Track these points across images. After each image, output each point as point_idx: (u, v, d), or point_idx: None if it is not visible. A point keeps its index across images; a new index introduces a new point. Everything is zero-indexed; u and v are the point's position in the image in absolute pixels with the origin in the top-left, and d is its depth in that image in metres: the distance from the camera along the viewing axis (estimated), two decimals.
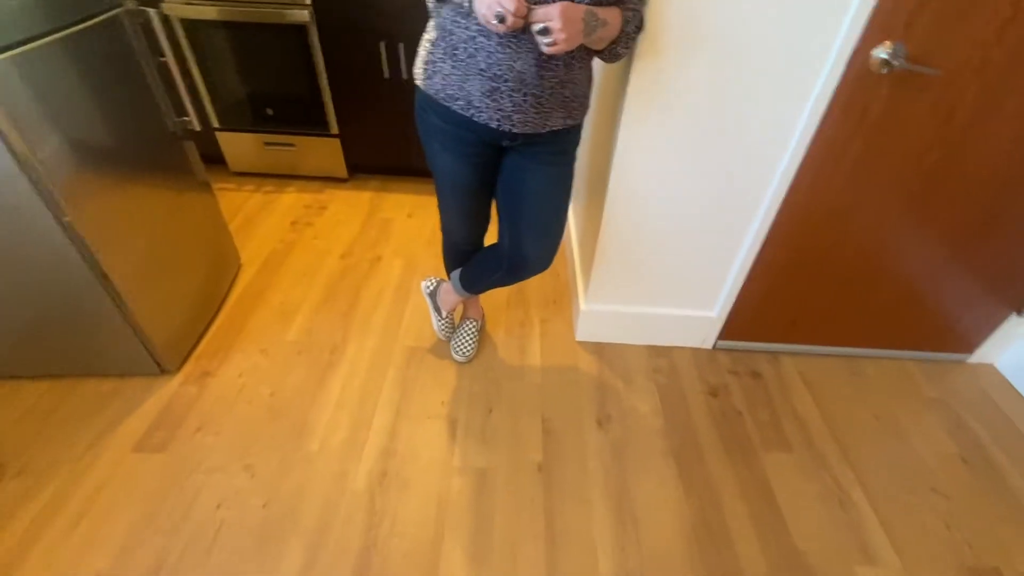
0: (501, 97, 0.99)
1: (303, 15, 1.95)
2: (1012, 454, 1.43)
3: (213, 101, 2.19)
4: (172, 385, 1.49)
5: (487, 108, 1.01)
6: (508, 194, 1.21)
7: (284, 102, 2.19)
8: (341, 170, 2.41)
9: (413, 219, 2.24)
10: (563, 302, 1.86)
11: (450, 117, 1.07)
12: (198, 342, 1.62)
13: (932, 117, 1.18)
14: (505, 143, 1.11)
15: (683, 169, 1.29)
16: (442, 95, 1.05)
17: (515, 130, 1.04)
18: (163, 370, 1.51)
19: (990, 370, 1.69)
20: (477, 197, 1.25)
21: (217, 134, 2.29)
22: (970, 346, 1.68)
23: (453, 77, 1.02)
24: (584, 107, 1.11)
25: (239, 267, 1.91)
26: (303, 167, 2.41)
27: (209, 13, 1.95)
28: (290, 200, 2.31)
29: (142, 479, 1.27)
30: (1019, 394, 1.60)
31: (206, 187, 1.72)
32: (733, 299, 1.56)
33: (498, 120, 1.02)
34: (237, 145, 2.33)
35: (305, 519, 1.21)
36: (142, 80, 1.40)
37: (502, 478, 1.31)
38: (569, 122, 1.09)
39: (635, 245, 1.45)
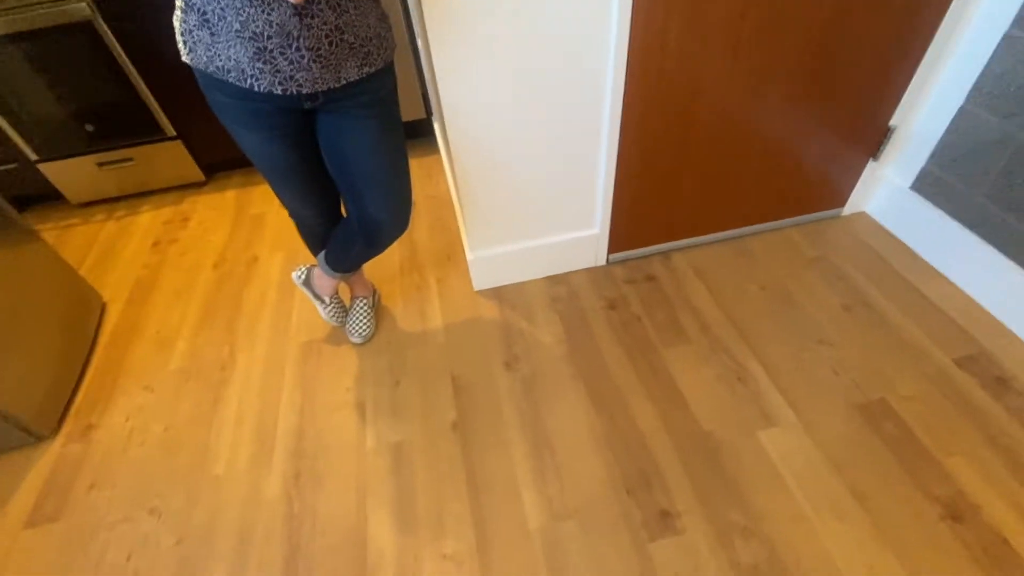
0: (273, 58, 0.89)
1: (81, 9, 1.69)
2: (887, 292, 1.52)
3: (22, 133, 1.92)
4: (53, 449, 1.38)
5: (262, 73, 0.90)
6: (333, 161, 1.11)
7: (103, 114, 1.95)
8: (195, 173, 2.20)
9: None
10: (457, 256, 1.81)
11: (234, 91, 0.96)
12: (72, 397, 1.50)
13: None
14: (306, 105, 1.00)
15: (512, 90, 1.22)
16: (212, 68, 0.93)
17: (304, 90, 0.94)
18: (39, 437, 1.39)
19: (863, 217, 1.78)
20: (306, 172, 1.15)
21: (41, 167, 2.03)
22: (842, 199, 1.75)
23: (217, 47, 0.90)
24: (383, 48, 1.02)
25: (103, 306, 1.75)
26: (153, 180, 2.19)
27: None
28: (147, 220, 2.11)
29: (41, 554, 1.18)
30: (890, 233, 1.70)
31: (31, 235, 1.53)
32: (609, 210, 1.55)
33: (280, 84, 0.92)
34: (68, 174, 2.08)
35: (222, 544, 1.17)
36: None
37: (418, 446, 1.30)
38: (367, 69, 1.00)
39: (495, 181, 1.40)
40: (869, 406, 1.28)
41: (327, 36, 0.90)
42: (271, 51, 0.88)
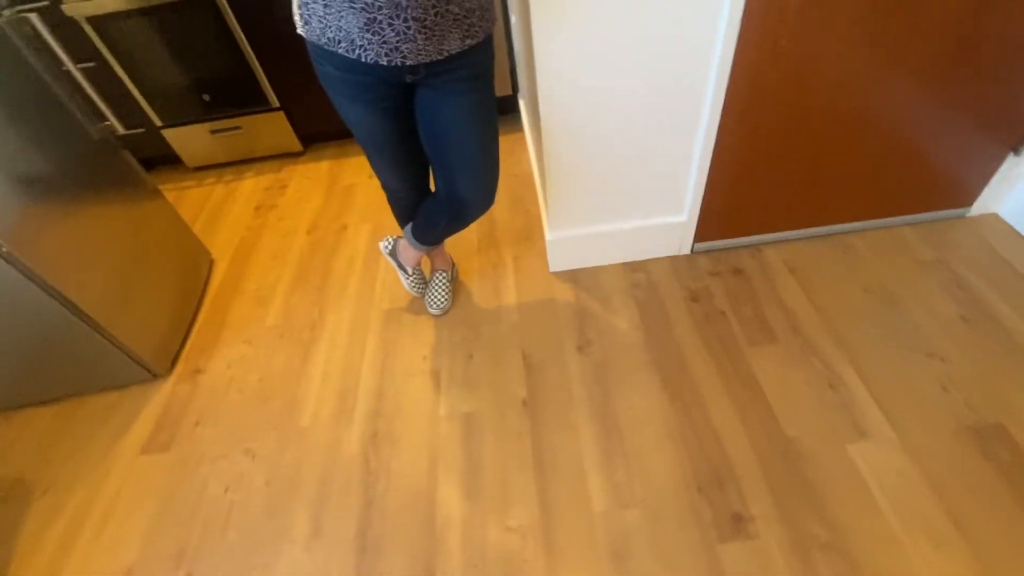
0: (381, 28, 0.91)
1: None
2: (1017, 305, 1.35)
3: (149, 99, 2.13)
4: (167, 387, 1.55)
5: (370, 44, 0.93)
6: (428, 135, 1.14)
7: (218, 84, 2.11)
8: (294, 144, 2.34)
9: (375, 180, 2.18)
10: (535, 236, 1.81)
11: (342, 63, 1.00)
12: (184, 343, 1.66)
13: None
14: (408, 79, 1.03)
15: (613, 65, 1.18)
16: (324, 40, 0.97)
17: (408, 62, 0.96)
18: (155, 375, 1.56)
19: (993, 219, 1.58)
20: (401, 145, 1.19)
21: (164, 132, 2.24)
22: (969, 198, 1.56)
23: (328, 18, 0.94)
24: (486, 20, 1.02)
25: (211, 262, 1.92)
26: (257, 148, 2.35)
27: (111, 5, 1.84)
28: (251, 185, 2.28)
29: (153, 478, 1.34)
30: None
31: (156, 194, 1.70)
32: (701, 197, 1.48)
33: (386, 55, 0.95)
34: (186, 140, 2.28)
35: (306, 489, 1.26)
36: (52, 95, 1.36)
37: (488, 419, 1.33)
38: (470, 41, 1.00)
39: (583, 160, 1.37)
40: (983, 430, 1.15)
41: (433, 6, 0.91)
42: (380, 21, 0.90)
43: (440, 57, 0.98)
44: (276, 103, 2.19)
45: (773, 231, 1.60)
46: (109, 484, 1.34)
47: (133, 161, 1.62)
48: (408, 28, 0.92)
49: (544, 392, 1.36)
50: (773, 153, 1.39)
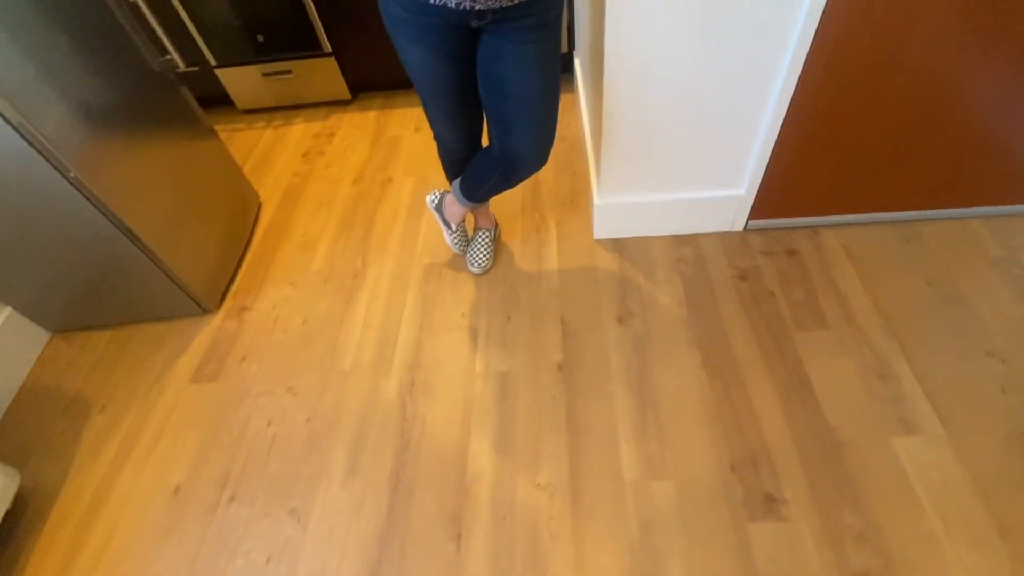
0: None
1: None
2: None
3: (205, 37, 2.13)
4: (215, 322, 1.60)
5: None
6: (488, 84, 1.11)
7: (272, 25, 2.09)
8: (343, 91, 2.32)
9: (420, 133, 2.16)
10: (580, 202, 1.77)
11: (410, 3, 0.97)
12: (232, 281, 1.71)
13: None
14: (474, 23, 0.99)
15: (687, 23, 1.12)
16: None
17: (477, 6, 0.93)
18: (205, 309, 1.62)
19: None
20: (459, 94, 1.16)
21: (217, 72, 2.25)
22: None
23: None
24: None
25: (259, 205, 1.95)
26: (307, 94, 2.35)
27: None
28: (299, 131, 2.29)
29: (202, 406, 1.41)
30: None
31: (211, 133, 1.73)
32: (763, 171, 1.41)
33: None
34: (238, 80, 2.29)
35: (345, 430, 1.31)
36: (116, 25, 1.37)
37: (523, 379, 1.34)
38: None
39: (644, 123, 1.32)
40: None
41: None
42: None
43: (510, 3, 0.95)
44: (328, 48, 2.16)
45: (834, 213, 1.53)
46: (160, 408, 1.42)
47: (191, 98, 1.64)
48: None
49: (580, 359, 1.36)
50: (847, 129, 1.31)
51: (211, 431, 1.35)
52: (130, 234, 1.34)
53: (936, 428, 1.14)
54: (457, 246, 1.61)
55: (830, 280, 1.43)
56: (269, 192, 2.02)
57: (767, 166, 1.40)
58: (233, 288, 1.69)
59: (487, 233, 1.61)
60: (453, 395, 1.33)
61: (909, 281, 1.40)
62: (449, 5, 0.93)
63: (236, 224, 1.78)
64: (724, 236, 1.59)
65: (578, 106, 2.06)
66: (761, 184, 1.45)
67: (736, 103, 1.26)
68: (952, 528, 1.01)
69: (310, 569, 1.10)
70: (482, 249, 1.59)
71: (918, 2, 1.07)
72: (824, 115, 1.28)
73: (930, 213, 1.52)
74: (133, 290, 1.50)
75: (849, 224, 1.55)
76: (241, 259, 1.77)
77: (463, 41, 1.05)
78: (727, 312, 1.40)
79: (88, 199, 1.24)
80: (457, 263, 1.64)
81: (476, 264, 1.58)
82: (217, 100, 2.40)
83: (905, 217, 1.53)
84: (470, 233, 1.65)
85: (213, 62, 2.21)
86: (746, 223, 1.57)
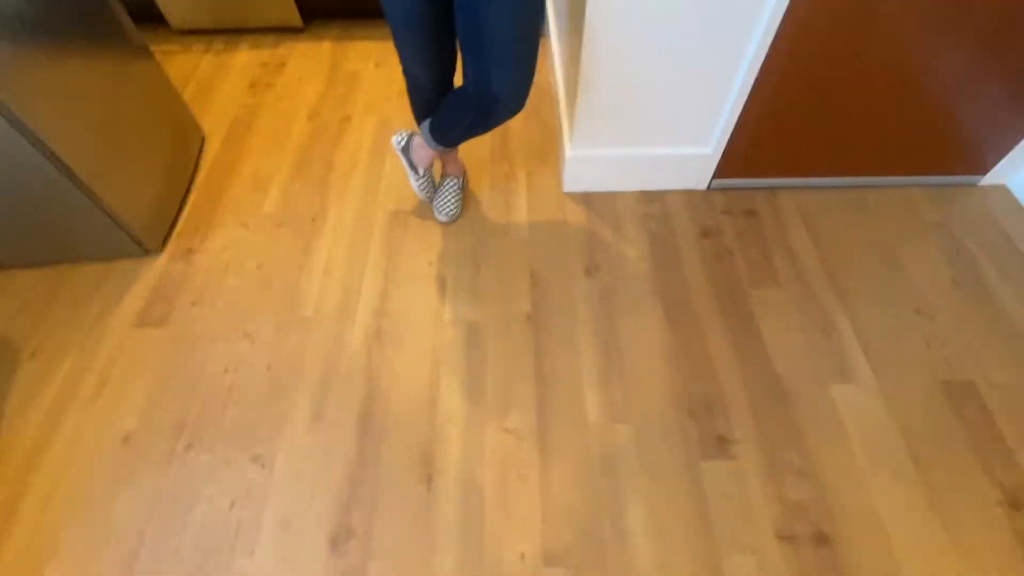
0: None
1: None
2: (1007, 274, 1.41)
3: None
4: (159, 264, 1.49)
5: None
6: (468, 22, 1.04)
7: None
8: (295, 17, 2.13)
9: (381, 69, 2.03)
10: (550, 153, 1.75)
11: None
12: (175, 220, 1.59)
13: None
14: None
15: None
16: None
17: None
18: (146, 250, 1.50)
19: (1001, 191, 1.61)
20: (434, 27, 1.09)
21: None
22: (984, 167, 1.57)
23: None
24: None
25: (202, 139, 1.79)
26: (251, 17, 2.13)
27: None
28: (245, 59, 2.09)
29: (150, 351, 1.33)
30: None
31: (145, 52, 1.54)
32: (730, 131, 1.44)
33: None
34: None
35: (308, 376, 1.28)
36: None
37: (492, 328, 1.35)
38: None
39: (621, 75, 1.30)
40: (955, 385, 1.24)
41: None
42: None
43: None
44: None
45: (792, 175, 1.59)
46: (102, 353, 1.32)
47: (122, 11, 1.45)
48: None
49: (549, 310, 1.38)
50: (811, 97, 1.35)
51: (162, 377, 1.28)
52: (58, 162, 1.20)
53: (868, 377, 1.25)
54: (423, 192, 1.56)
55: (784, 240, 1.51)
56: (213, 125, 1.85)
57: (735, 126, 1.42)
58: (177, 228, 1.57)
59: (455, 180, 1.56)
60: (421, 344, 1.33)
61: (854, 243, 1.49)
62: None
63: (177, 158, 1.63)
64: (689, 194, 1.62)
65: (549, 53, 2.00)
66: (727, 144, 1.48)
67: (712, 62, 1.26)
68: (877, 464, 1.13)
69: (277, 513, 1.09)
70: (450, 197, 1.54)
71: None
72: (791, 82, 1.31)
73: (876, 180, 1.61)
74: (64, 226, 1.36)
75: (804, 187, 1.62)
76: (185, 197, 1.64)
77: None
78: (689, 267, 1.45)
79: (11, 123, 1.09)
80: (423, 210, 1.59)
81: (444, 212, 1.54)
82: (145, 16, 2.14)
83: (854, 183, 1.62)
84: (437, 179, 1.60)
85: None
86: (710, 182, 1.61)
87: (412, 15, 1.06)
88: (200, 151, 1.76)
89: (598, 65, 1.27)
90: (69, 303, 1.41)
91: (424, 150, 1.43)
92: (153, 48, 2.14)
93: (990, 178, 1.60)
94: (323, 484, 1.12)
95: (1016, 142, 1.49)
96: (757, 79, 1.30)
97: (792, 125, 1.43)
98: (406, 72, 1.26)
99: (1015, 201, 1.57)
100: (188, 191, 1.66)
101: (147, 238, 1.48)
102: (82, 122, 1.27)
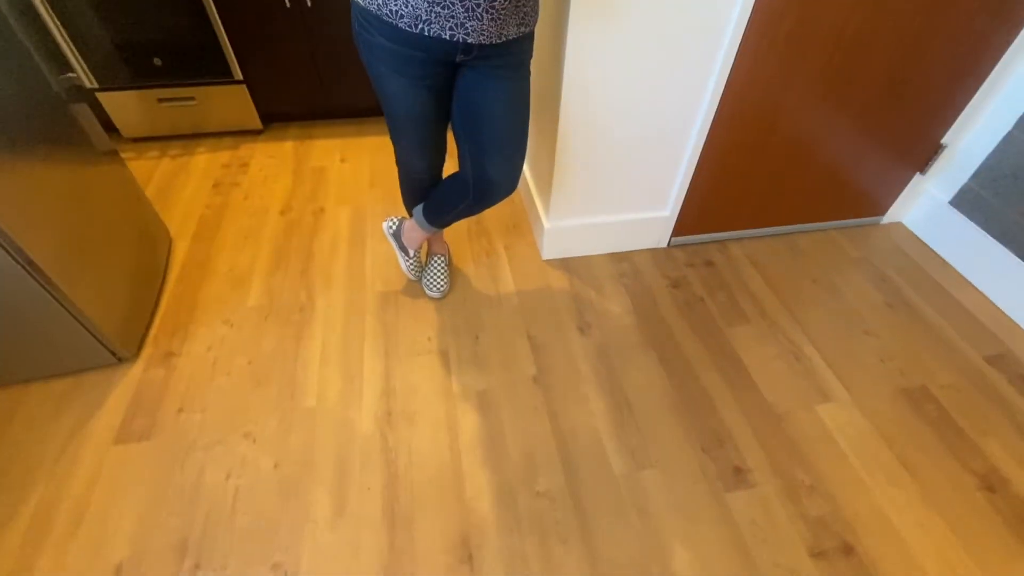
0: (452, 4, 0.94)
1: None
2: (925, 294, 1.68)
3: (85, 57, 1.89)
4: (135, 372, 1.39)
5: (437, 18, 0.96)
6: (467, 115, 1.17)
7: (174, 49, 1.93)
8: (254, 121, 2.20)
9: (348, 164, 2.12)
10: (523, 226, 1.88)
11: (396, 35, 1.00)
12: (149, 324, 1.51)
13: None
14: (459, 58, 1.06)
15: (630, 70, 1.31)
16: (385, 12, 0.97)
17: (470, 40, 1.00)
18: (120, 358, 1.40)
19: (899, 227, 1.93)
20: (434, 124, 1.21)
21: (99, 96, 2.00)
22: (882, 208, 1.90)
23: None
24: (535, 12, 1.08)
25: (170, 240, 1.75)
26: (209, 123, 2.18)
27: None
28: (204, 161, 2.11)
29: (135, 468, 1.21)
30: (925, 244, 1.86)
31: (113, 155, 1.53)
32: (683, 195, 1.65)
33: (451, 30, 0.97)
34: (126, 106, 2.05)
35: (322, 469, 1.22)
36: (8, 35, 1.18)
37: (502, 395, 1.37)
38: (523, 29, 1.06)
39: (592, 154, 1.48)
40: (912, 391, 1.42)
41: None
42: None
43: (498, 41, 1.03)
44: (239, 75, 2.05)
45: (737, 229, 1.82)
46: (78, 477, 1.19)
47: (91, 117, 1.45)
48: (478, 6, 0.96)
49: (553, 369, 1.44)
50: (743, 164, 1.61)
51: (154, 495, 1.16)
52: (30, 265, 1.13)
53: (843, 394, 1.41)
54: (412, 272, 1.61)
55: (743, 283, 1.70)
56: (179, 227, 1.82)
57: (687, 191, 1.64)
58: (152, 333, 1.49)
59: (442, 258, 1.63)
60: (435, 419, 1.32)
61: (799, 280, 1.71)
62: (443, 36, 0.99)
63: (146, 260, 1.57)
64: (653, 252, 1.80)
65: None
66: (682, 206, 1.69)
67: (668, 135, 1.48)
68: (871, 471, 1.25)
69: None
70: (439, 273, 1.60)
71: (791, 70, 1.38)
72: (727, 152, 1.56)
73: (803, 227, 1.88)
74: (27, 338, 1.26)
75: (748, 238, 1.86)
76: (158, 300, 1.57)
77: (444, 74, 1.10)
78: (669, 316, 1.59)
79: None
80: (412, 290, 1.63)
81: (435, 288, 1.59)
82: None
83: (786, 230, 1.88)
84: (423, 260, 1.66)
85: (94, 84, 1.96)
86: (670, 240, 1.80)
87: (416, 115, 1.16)
88: (169, 253, 1.71)
89: (572, 147, 1.44)
90: (32, 425, 1.27)
91: (416, 232, 1.50)
92: None
93: (889, 217, 1.92)
94: None
95: (903, 187, 1.83)
96: (702, 152, 1.53)
97: (732, 187, 1.67)
98: (401, 163, 1.35)
99: (912, 234, 1.89)
100: (160, 294, 1.59)
101: (120, 345, 1.38)
102: (51, 222, 1.21)
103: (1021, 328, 1.58)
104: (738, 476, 1.23)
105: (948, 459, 1.27)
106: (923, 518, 1.17)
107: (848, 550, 1.12)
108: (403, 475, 1.21)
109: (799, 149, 1.61)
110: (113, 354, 1.38)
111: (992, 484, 1.23)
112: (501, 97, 1.13)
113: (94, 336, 1.33)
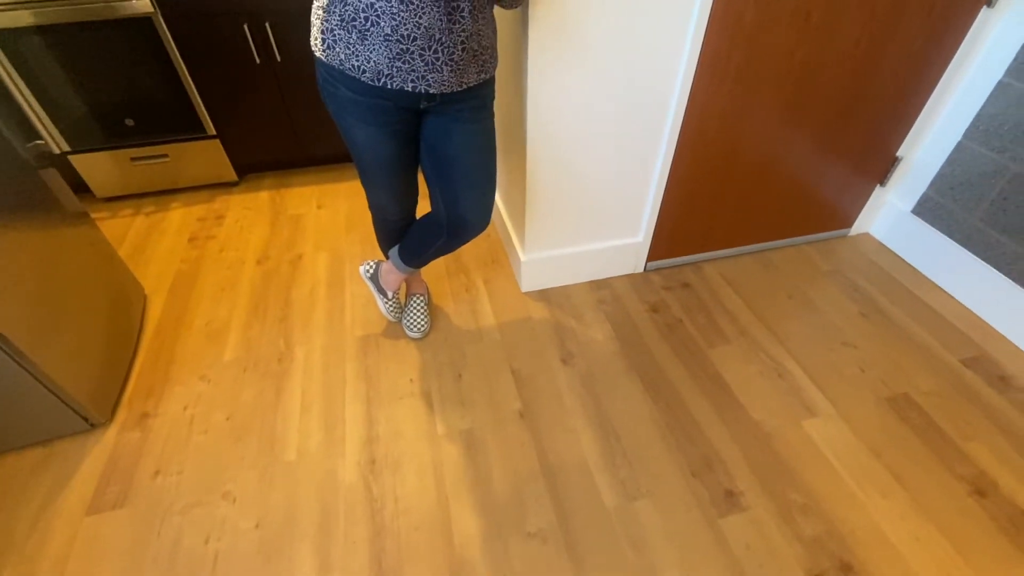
0: (412, 58, 0.97)
1: (144, 5, 1.73)
2: (897, 302, 1.71)
3: (56, 121, 1.90)
4: (109, 437, 1.35)
5: (398, 72, 0.99)
6: (435, 159, 1.19)
7: (145, 108, 1.96)
8: (229, 173, 2.22)
9: (325, 210, 2.13)
10: (501, 260, 1.89)
11: (360, 87, 1.03)
12: (124, 387, 1.47)
13: (794, 19, 1.32)
14: (423, 105, 1.09)
15: (590, 110, 1.35)
16: (347, 66, 1.00)
17: (431, 90, 1.03)
18: (92, 424, 1.36)
19: (867, 238, 1.98)
20: (403, 169, 1.23)
21: (71, 159, 2.00)
22: (849, 221, 1.95)
23: (357, 47, 0.97)
24: (494, 59, 1.12)
25: (145, 298, 1.73)
26: (183, 178, 2.19)
27: (24, 19, 1.66)
28: (179, 216, 2.10)
29: (110, 539, 1.16)
30: (894, 253, 1.90)
31: (84, 217, 1.53)
32: (654, 221, 1.68)
33: (413, 82, 1.00)
34: (98, 167, 2.06)
35: (305, 525, 1.18)
36: None
37: (489, 432, 1.35)
38: (483, 76, 1.09)
39: (561, 187, 1.51)
40: (895, 399, 1.42)
41: (463, 42, 0.99)
42: (412, 52, 0.97)
43: (460, 89, 1.06)
44: (212, 130, 2.07)
45: (709, 250, 1.85)
46: (48, 554, 1.13)
47: (59, 180, 1.45)
48: (437, 59, 0.99)
49: (538, 403, 1.42)
50: (711, 186, 1.65)
51: (130, 565, 1.11)
52: None
53: (828, 408, 1.41)
54: (392, 314, 1.60)
55: (720, 303, 1.72)
56: (154, 284, 1.80)
57: (658, 215, 1.67)
58: (127, 395, 1.46)
59: (421, 298, 1.63)
60: (420, 463, 1.29)
61: (775, 296, 1.74)
62: (406, 89, 1.02)
63: (120, 320, 1.55)
64: (631, 277, 1.82)
65: None
66: (654, 231, 1.72)
67: (633, 165, 1.52)
68: (863, 485, 1.24)
69: None
70: (419, 313, 1.60)
71: (745, 102, 1.44)
72: (693, 176, 1.60)
73: (774, 244, 1.92)
74: None
75: (721, 257, 1.89)
76: (132, 361, 1.54)
77: (409, 121, 1.13)
78: (651, 341, 1.59)
79: None
80: (393, 331, 1.62)
81: (415, 328, 1.58)
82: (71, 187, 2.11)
83: (758, 248, 1.91)
84: (402, 300, 1.66)
85: (65, 148, 1.97)
86: (645, 265, 1.83)
87: (385, 162, 1.19)
88: (144, 311, 1.69)
89: (541, 182, 1.47)
90: None
91: (394, 274, 1.50)
92: None
93: (856, 228, 1.97)
94: None
95: (866, 200, 1.88)
96: (668, 180, 1.57)
97: (701, 210, 1.71)
98: (374, 208, 1.36)
99: (880, 243, 1.94)
100: (135, 354, 1.56)
101: (93, 410, 1.35)
102: (19, 293, 1.19)
103: (993, 328, 1.61)
104: (730, 500, 1.22)
105: (937, 466, 1.27)
106: (918, 529, 1.16)
107: (847, 569, 1.10)
108: (389, 525, 1.18)
109: (763, 171, 1.66)
110: (86, 420, 1.34)
111: (982, 488, 1.23)
112: (467, 140, 1.16)
113: (66, 404, 1.29)
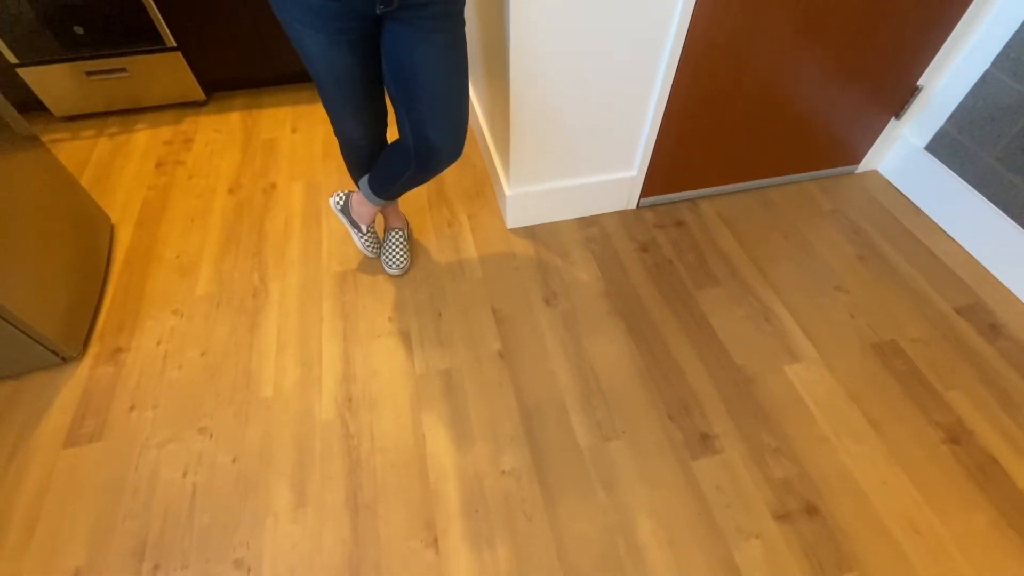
0: None
1: None
2: (898, 245, 1.64)
3: (1, 32, 1.72)
4: (82, 371, 1.34)
5: None
6: (397, 75, 1.06)
7: (95, 15, 1.77)
8: (196, 91, 2.05)
9: (300, 134, 2.00)
10: (486, 193, 1.80)
11: None
12: (94, 320, 1.44)
13: None
14: (379, 9, 0.95)
15: (583, 22, 1.20)
16: None
17: None
18: (64, 358, 1.34)
19: (875, 175, 1.87)
20: (364, 86, 1.11)
21: (20, 72, 1.84)
22: (857, 157, 1.83)
23: None
24: None
25: (111, 227, 1.65)
26: (148, 96, 2.03)
27: None
28: (145, 139, 1.97)
29: (87, 472, 1.17)
30: (900, 192, 1.81)
31: (34, 141, 1.41)
32: (649, 154, 1.57)
33: None
34: (51, 82, 1.89)
35: (281, 461, 1.19)
36: None
37: (467, 372, 1.34)
38: None
39: (548, 115, 1.38)
40: (881, 346, 1.40)
41: None
42: None
43: None
44: (172, 42, 1.89)
45: (707, 186, 1.76)
46: (27, 485, 1.15)
47: (4, 101, 1.33)
48: None
49: (518, 343, 1.40)
50: (712, 116, 1.52)
51: (107, 498, 1.13)
52: None
53: (812, 353, 1.39)
54: (369, 249, 1.54)
55: (713, 243, 1.65)
56: (120, 212, 1.71)
57: (654, 148, 1.56)
58: (98, 328, 1.42)
59: (400, 232, 1.56)
60: (397, 402, 1.28)
61: (771, 236, 1.67)
62: None
63: (86, 252, 1.49)
64: (622, 214, 1.73)
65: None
66: (649, 165, 1.61)
67: (629, 91, 1.38)
68: (838, 431, 1.24)
69: None
70: (397, 249, 1.53)
71: (758, 10, 1.27)
72: (694, 106, 1.47)
73: (775, 180, 1.82)
74: None
75: (719, 194, 1.79)
76: (101, 293, 1.49)
77: (366, 28, 0.99)
78: (638, 282, 1.54)
79: None
80: (372, 267, 1.57)
81: (394, 265, 1.52)
82: (24, 106, 1.97)
83: (759, 184, 1.81)
84: (381, 235, 1.59)
85: (13, 60, 1.80)
86: (638, 201, 1.74)
87: (343, 77, 1.06)
88: (111, 241, 1.62)
89: (527, 113, 1.35)
90: None
91: (365, 207, 1.42)
92: None
93: (864, 166, 1.86)
94: (322, 574, 1.04)
95: (878, 134, 1.76)
96: (666, 108, 1.44)
97: (700, 142, 1.60)
98: (339, 133, 1.26)
99: (887, 182, 1.84)
100: (104, 286, 1.51)
101: (64, 344, 1.32)
102: None
103: (993, 276, 1.55)
104: (704, 443, 1.22)
105: (914, 414, 1.27)
106: (887, 475, 1.17)
107: (812, 510, 1.12)
108: (366, 462, 1.19)
109: (769, 98, 1.53)
110: (56, 354, 1.32)
111: (957, 436, 1.23)
112: (432, 53, 1.02)
113: (32, 339, 1.26)
